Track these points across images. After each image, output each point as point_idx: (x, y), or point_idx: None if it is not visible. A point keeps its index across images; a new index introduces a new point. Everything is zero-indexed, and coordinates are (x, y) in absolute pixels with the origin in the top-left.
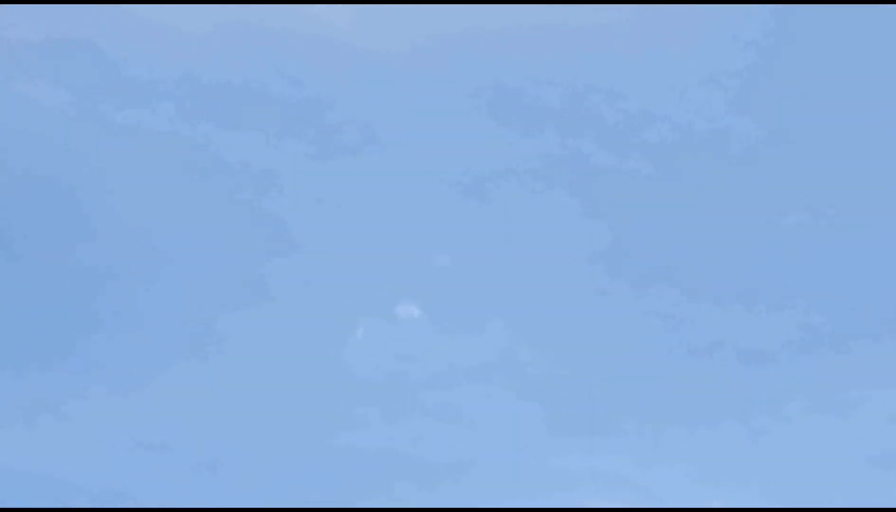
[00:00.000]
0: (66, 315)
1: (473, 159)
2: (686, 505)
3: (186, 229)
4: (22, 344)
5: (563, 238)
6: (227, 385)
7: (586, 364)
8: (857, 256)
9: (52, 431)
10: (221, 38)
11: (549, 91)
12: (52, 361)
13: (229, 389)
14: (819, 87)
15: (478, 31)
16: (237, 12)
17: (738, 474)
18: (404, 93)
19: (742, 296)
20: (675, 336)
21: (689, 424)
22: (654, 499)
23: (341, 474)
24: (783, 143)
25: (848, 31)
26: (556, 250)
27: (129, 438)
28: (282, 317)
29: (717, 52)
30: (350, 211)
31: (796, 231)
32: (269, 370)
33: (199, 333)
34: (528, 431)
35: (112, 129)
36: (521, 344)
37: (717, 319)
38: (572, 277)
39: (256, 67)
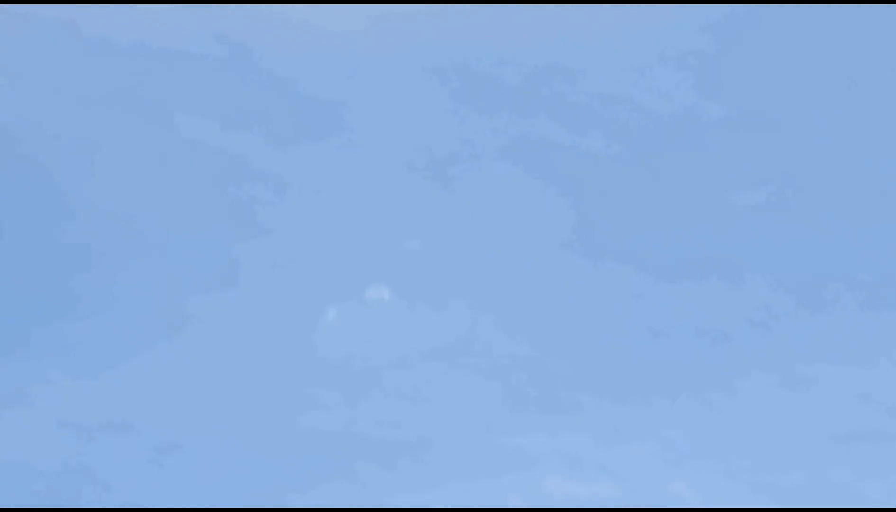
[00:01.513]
0: (31, 300)
1: (437, 141)
2: (647, 484)
3: (153, 213)
4: None
5: (524, 219)
6: (194, 367)
7: (546, 343)
8: (815, 235)
9: (12, 415)
10: (190, 23)
11: (511, 71)
12: (15, 345)
13: (196, 371)
14: (779, 68)
15: (437, 10)
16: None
17: (698, 451)
18: (366, 73)
19: (700, 274)
20: (635, 315)
21: (648, 402)
22: (614, 476)
23: (305, 454)
24: (741, 123)
25: (811, 12)
26: (517, 231)
27: (90, 422)
28: (249, 300)
29: (678, 33)
30: (316, 194)
31: (754, 210)
32: (236, 353)
33: (166, 316)
34: (489, 411)
35: (84, 111)
36: (483, 324)
37: (675, 297)
38: (533, 258)
39: (222, 50)
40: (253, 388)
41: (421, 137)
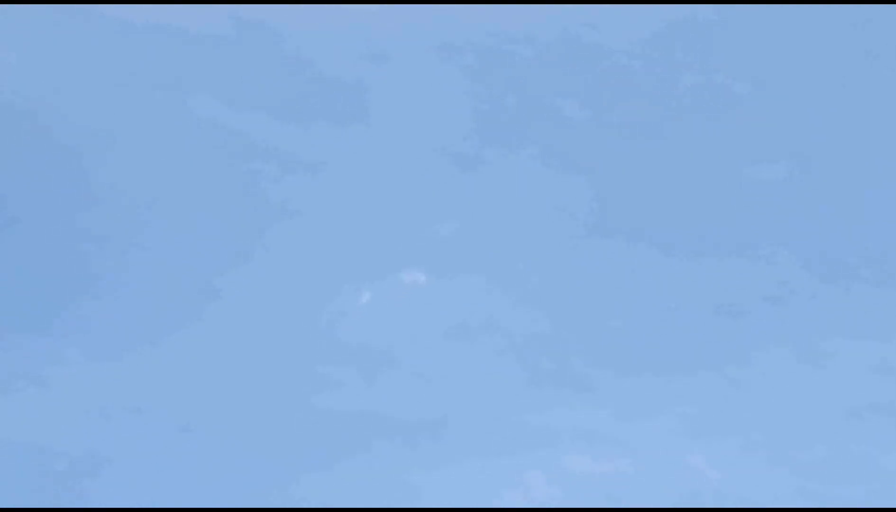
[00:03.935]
0: (45, 282)
1: (455, 120)
2: (665, 459)
3: (173, 195)
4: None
5: (541, 196)
6: (216, 349)
7: (565, 321)
8: (833, 209)
9: (30, 397)
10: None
11: (524, 47)
12: (30, 327)
13: (217, 353)
14: (796, 41)
15: None
16: None
17: (717, 426)
18: (382, 52)
19: (718, 249)
20: (653, 291)
21: (667, 378)
22: (633, 451)
23: (324, 433)
24: (759, 97)
25: None
26: (533, 208)
27: (108, 403)
28: (273, 282)
29: (691, 5)
30: (338, 175)
31: (772, 185)
32: (259, 334)
33: (187, 297)
34: (508, 389)
35: (100, 94)
36: (501, 302)
37: (693, 273)
38: (551, 235)
39: (237, 30)
40: (275, 369)
41: (440, 117)
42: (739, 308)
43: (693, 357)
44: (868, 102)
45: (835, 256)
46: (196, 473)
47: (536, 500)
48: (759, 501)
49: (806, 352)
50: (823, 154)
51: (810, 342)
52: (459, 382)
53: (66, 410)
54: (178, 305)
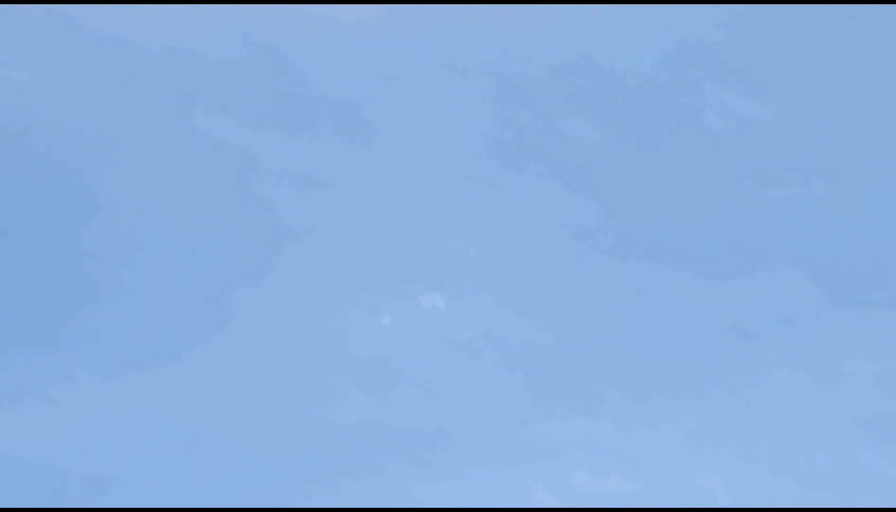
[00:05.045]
0: (52, 298)
1: (461, 139)
2: (670, 473)
3: (188, 214)
4: (6, 327)
5: (553, 216)
6: (223, 367)
7: (569, 334)
8: (843, 228)
9: (38, 415)
10: (207, 20)
11: (535, 68)
12: (36, 344)
13: (224, 371)
14: (806, 59)
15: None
16: None
17: (725, 443)
18: (386, 70)
19: (727, 267)
20: (660, 308)
21: (673, 394)
22: (639, 467)
23: (328, 447)
24: (769, 117)
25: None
26: (537, 222)
27: (115, 420)
28: (280, 301)
29: (698, 24)
30: (346, 196)
31: (782, 204)
32: (267, 352)
33: (197, 315)
34: (511, 401)
35: (103, 112)
36: (503, 314)
37: (702, 290)
38: (556, 249)
39: (241, 48)
40: (286, 387)
41: (451, 136)
42: (748, 327)
43: (700, 372)
44: (883, 121)
45: (846, 277)
46: (205, 490)
47: None
48: None
49: (816, 372)
50: (838, 174)
51: (820, 362)
52: (464, 395)
53: (73, 428)
54: (185, 323)
